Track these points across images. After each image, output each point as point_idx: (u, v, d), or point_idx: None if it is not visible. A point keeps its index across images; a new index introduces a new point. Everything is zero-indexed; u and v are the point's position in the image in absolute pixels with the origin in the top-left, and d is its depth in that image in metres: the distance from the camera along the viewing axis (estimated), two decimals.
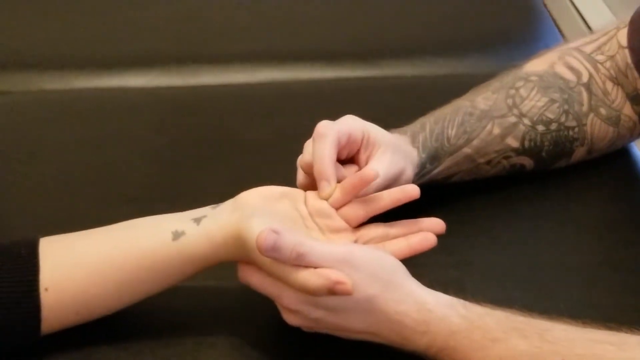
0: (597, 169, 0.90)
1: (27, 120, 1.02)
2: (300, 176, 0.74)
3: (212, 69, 1.15)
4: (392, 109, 1.05)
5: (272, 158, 0.93)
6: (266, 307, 0.65)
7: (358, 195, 0.69)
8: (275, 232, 0.58)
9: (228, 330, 0.67)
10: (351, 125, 0.72)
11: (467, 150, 0.82)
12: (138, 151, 0.95)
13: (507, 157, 0.84)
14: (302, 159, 0.73)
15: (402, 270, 0.63)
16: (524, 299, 0.72)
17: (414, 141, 0.79)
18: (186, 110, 1.04)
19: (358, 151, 0.73)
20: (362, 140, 0.73)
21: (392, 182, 0.73)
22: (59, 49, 1.17)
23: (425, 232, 0.68)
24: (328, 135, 0.69)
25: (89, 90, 1.10)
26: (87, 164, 0.92)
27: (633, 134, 0.89)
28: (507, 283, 0.74)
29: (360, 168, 0.73)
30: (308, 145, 0.72)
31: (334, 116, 0.74)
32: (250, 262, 0.63)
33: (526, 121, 0.83)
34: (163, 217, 0.67)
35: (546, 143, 0.84)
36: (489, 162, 0.83)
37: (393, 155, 0.74)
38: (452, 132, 0.81)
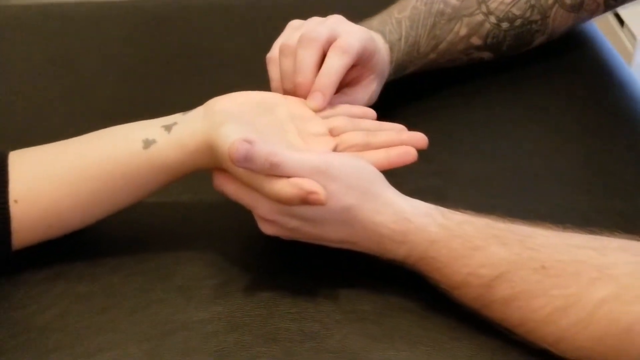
0: (575, 67, 0.91)
1: None
2: (274, 53, 0.72)
3: None
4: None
5: (248, 71, 0.90)
6: (243, 218, 0.63)
7: None
8: (248, 141, 0.56)
9: (205, 244, 0.66)
10: (366, 48, 0.71)
11: (432, 55, 0.83)
12: (109, 66, 0.92)
13: (468, 54, 0.86)
14: (286, 43, 0.70)
15: (381, 179, 0.62)
16: (505, 205, 0.70)
17: (391, 51, 0.78)
18: (156, 24, 1.01)
19: (353, 65, 0.71)
20: (362, 61, 0.72)
21: None
22: None
23: (407, 146, 0.66)
24: (349, 55, 0.68)
25: (55, 4, 1.06)
26: (56, 79, 0.90)
27: (593, 15, 0.89)
28: (488, 190, 0.73)
29: (343, 82, 0.71)
30: (293, 32, 0.71)
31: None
32: (225, 170, 0.62)
33: (492, 19, 0.84)
34: (133, 125, 0.65)
35: (508, 39, 0.86)
36: (448, 60, 0.85)
37: (377, 85, 0.75)
38: (423, 40, 0.81)
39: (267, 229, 0.61)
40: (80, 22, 1.01)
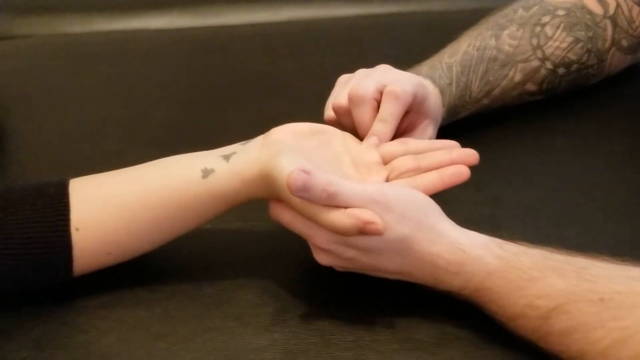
0: (629, 96, 0.90)
1: (49, 64, 1.02)
2: (330, 115, 0.74)
3: (234, 8, 1.13)
4: (418, 45, 1.03)
5: (297, 98, 0.93)
6: (298, 247, 0.64)
7: None
8: (306, 171, 0.57)
9: (260, 272, 0.67)
10: (417, 93, 0.71)
11: (485, 101, 0.83)
12: (161, 94, 0.95)
13: (521, 99, 0.86)
14: (337, 102, 0.72)
15: (436, 209, 0.62)
16: (559, 236, 0.70)
17: (442, 95, 0.79)
18: (208, 51, 1.04)
19: (406, 113, 0.72)
20: (415, 107, 0.73)
21: None
22: None
23: (458, 165, 0.66)
24: (402, 100, 0.69)
25: (110, 32, 1.09)
26: (110, 107, 0.92)
27: None
28: (542, 220, 0.73)
29: (399, 130, 0.72)
30: (342, 89, 0.73)
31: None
32: (281, 200, 0.62)
33: (548, 65, 0.84)
34: (192, 155, 0.66)
35: (564, 84, 0.86)
36: (501, 105, 0.85)
37: (433, 130, 0.75)
38: (475, 85, 0.82)
39: (322, 258, 0.62)
40: (132, 50, 1.04)
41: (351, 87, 0.71)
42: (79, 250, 0.62)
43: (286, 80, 0.95)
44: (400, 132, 0.73)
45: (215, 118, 0.89)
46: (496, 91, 0.82)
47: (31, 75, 0.98)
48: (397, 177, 0.66)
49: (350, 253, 0.60)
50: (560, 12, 0.84)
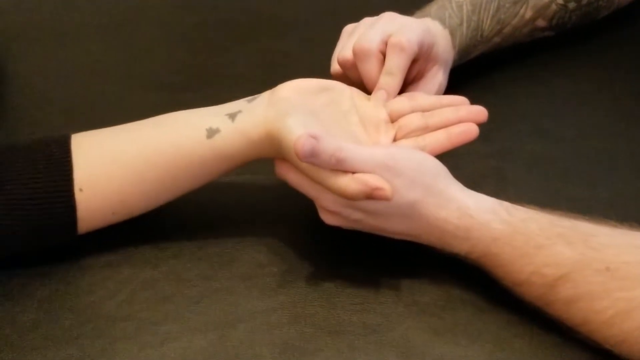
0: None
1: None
2: (336, 69, 0.72)
3: None
4: None
5: (307, 36, 0.90)
6: (304, 202, 0.63)
7: None
8: (314, 137, 0.56)
9: (266, 228, 0.66)
10: (424, 39, 0.70)
11: (496, 39, 0.81)
12: (165, 32, 0.92)
13: (532, 36, 0.84)
14: (342, 56, 0.71)
15: (444, 173, 0.61)
16: (566, 189, 0.70)
17: (452, 38, 0.77)
18: None
19: (414, 61, 0.71)
20: (423, 54, 0.71)
21: None
22: None
23: (466, 123, 0.65)
24: (408, 51, 0.68)
25: None
26: (112, 47, 0.90)
27: None
28: (549, 172, 0.72)
29: (407, 78, 0.71)
30: (347, 42, 0.71)
31: None
32: (287, 160, 0.61)
33: (559, 0, 0.81)
34: (197, 112, 0.64)
35: (574, 18, 0.84)
36: (512, 43, 0.83)
37: (443, 74, 0.74)
38: (486, 24, 0.80)
39: (328, 219, 0.61)
40: None
41: (355, 40, 0.69)
42: (83, 210, 0.61)
43: (294, 19, 0.93)
44: (409, 80, 0.72)
45: (220, 60, 0.87)
46: (507, 29, 0.80)
47: (26, 12, 0.95)
48: (404, 136, 0.65)
49: (357, 215, 0.60)
50: None
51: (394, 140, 0.65)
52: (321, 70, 0.78)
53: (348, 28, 0.75)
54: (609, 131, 0.77)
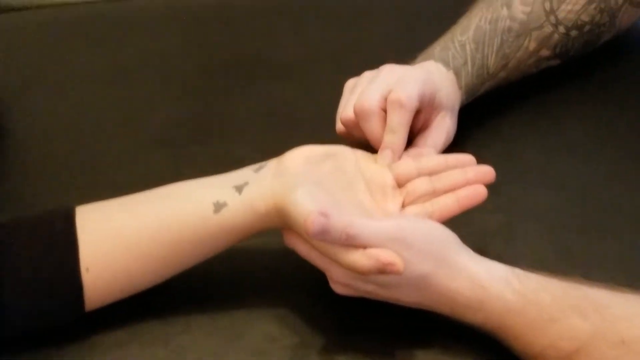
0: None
1: (31, 44, 0.98)
2: (340, 128, 0.72)
3: None
4: (426, 13, 1.00)
5: (307, 80, 0.89)
6: (314, 270, 0.62)
7: None
8: (324, 214, 0.55)
9: (276, 298, 0.65)
10: (425, 90, 0.70)
11: (502, 74, 0.81)
12: (164, 81, 0.91)
13: (537, 66, 0.83)
14: (344, 115, 0.70)
15: (454, 241, 0.60)
16: (577, 242, 0.69)
17: (458, 78, 0.77)
18: (205, 25, 0.99)
19: (417, 112, 0.70)
20: (427, 103, 0.71)
21: None
22: None
23: (474, 185, 0.64)
24: (408, 107, 0.67)
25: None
26: (113, 98, 0.89)
27: None
28: (559, 225, 0.71)
29: (414, 128, 0.72)
30: (349, 100, 0.71)
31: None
32: (296, 232, 0.61)
33: (561, 29, 0.81)
34: (203, 183, 0.64)
35: (576, 45, 0.83)
36: (519, 75, 0.82)
37: (450, 120, 0.74)
38: (491, 60, 0.79)
39: (339, 289, 0.61)
40: (130, 23, 1.00)
41: (356, 100, 0.69)
42: (90, 290, 0.60)
43: (293, 60, 0.92)
44: (416, 130, 0.72)
45: (221, 109, 0.86)
46: (512, 63, 0.80)
47: (21, 63, 0.94)
48: (412, 202, 0.65)
49: (368, 287, 0.60)
50: None
51: (402, 206, 0.65)
52: (322, 116, 0.79)
53: (349, 83, 0.75)
54: (620, 179, 0.76)
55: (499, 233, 0.70)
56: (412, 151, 0.70)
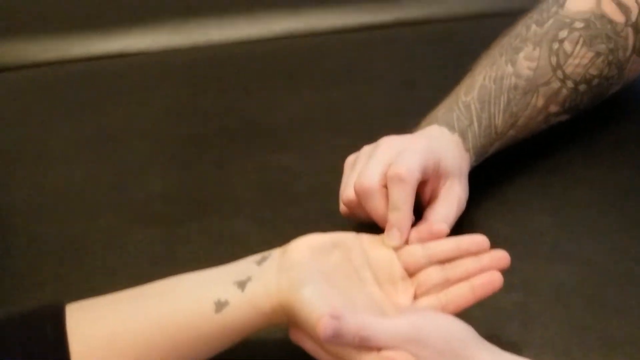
0: None
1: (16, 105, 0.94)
2: (344, 210, 0.70)
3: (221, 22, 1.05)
4: (425, 61, 0.97)
5: (305, 147, 0.86)
6: None
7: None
8: (336, 317, 0.52)
9: None
10: (427, 160, 0.66)
11: (511, 132, 0.77)
12: (156, 149, 0.88)
13: (547, 122, 0.80)
14: (346, 196, 0.68)
15: (472, 337, 0.57)
16: (596, 322, 0.66)
17: (464, 141, 0.73)
18: (204, 89, 0.96)
19: (424, 182, 0.68)
20: (432, 173, 0.68)
21: None
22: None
23: (489, 272, 0.61)
24: (410, 181, 0.64)
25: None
26: (101, 169, 0.85)
27: None
28: (577, 303, 0.68)
29: (423, 202, 0.69)
30: (349, 178, 0.68)
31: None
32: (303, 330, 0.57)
33: (569, 84, 0.78)
34: (202, 279, 0.60)
35: (585, 99, 0.80)
36: (529, 132, 0.79)
37: (459, 185, 0.70)
38: (499, 120, 0.76)
39: None
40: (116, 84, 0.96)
41: (356, 179, 0.66)
42: None
43: (289, 126, 0.89)
44: (425, 202, 0.69)
45: (215, 179, 0.82)
46: (521, 121, 0.77)
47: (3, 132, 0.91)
48: (424, 293, 0.62)
49: None
50: (578, 25, 0.77)
51: (414, 297, 0.61)
52: (321, 185, 0.77)
53: (349, 160, 0.72)
54: (631, 250, 0.72)
55: (515, 315, 0.67)
56: (423, 227, 0.66)
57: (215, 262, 0.71)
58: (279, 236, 0.73)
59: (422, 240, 0.64)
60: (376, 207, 0.65)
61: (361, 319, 0.54)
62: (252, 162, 0.84)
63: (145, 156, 0.86)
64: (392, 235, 0.64)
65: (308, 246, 0.60)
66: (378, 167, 0.66)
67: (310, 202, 0.78)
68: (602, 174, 0.81)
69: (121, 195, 0.81)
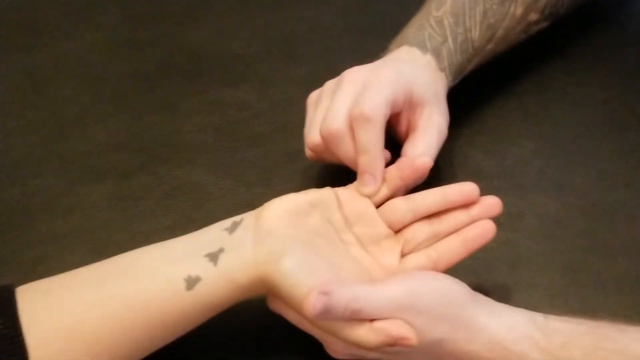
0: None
1: None
2: (310, 154, 0.63)
3: None
4: None
5: (257, 75, 0.79)
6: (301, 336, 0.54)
7: (408, 187, 0.58)
8: (324, 292, 0.47)
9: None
10: (395, 92, 0.59)
11: (490, 46, 0.71)
12: (93, 91, 0.79)
13: (526, 32, 0.74)
14: (311, 140, 0.61)
15: (470, 298, 0.52)
16: (586, 262, 0.62)
17: (438, 60, 0.66)
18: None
19: (398, 114, 0.61)
20: (404, 104, 0.61)
21: None
22: None
23: (481, 221, 0.56)
24: (376, 120, 0.57)
25: None
26: (27, 120, 0.76)
27: None
28: (564, 241, 0.63)
29: (401, 136, 0.62)
30: (313, 120, 0.61)
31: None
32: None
33: None
34: (169, 253, 0.53)
35: (566, 2, 0.75)
36: (508, 46, 0.73)
37: (437, 112, 0.63)
38: (476, 34, 0.69)
39: (337, 355, 0.53)
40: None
41: (321, 123, 0.59)
42: None
43: (239, 54, 0.81)
44: (403, 135, 0.63)
45: (159, 122, 0.75)
46: (499, 33, 0.70)
47: None
48: (412, 251, 0.56)
49: (373, 355, 0.51)
50: None
51: (402, 255, 0.56)
52: (283, 125, 0.72)
53: (312, 97, 0.64)
54: (618, 179, 0.68)
55: (503, 255, 0.62)
56: (404, 162, 0.59)
57: (173, 218, 0.66)
58: (241, 183, 0.68)
59: (405, 178, 0.58)
60: (346, 151, 0.59)
61: (351, 291, 0.48)
62: (203, 100, 0.76)
63: (82, 102, 0.77)
64: (365, 181, 0.58)
65: (284, 210, 0.54)
66: (343, 106, 0.59)
67: (271, 142, 0.72)
68: (583, 89, 0.76)
69: (60, 150, 0.72)
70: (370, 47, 0.69)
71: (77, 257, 0.63)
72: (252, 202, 0.66)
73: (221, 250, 0.52)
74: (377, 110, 0.57)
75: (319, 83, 0.64)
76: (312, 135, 0.61)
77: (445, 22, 0.68)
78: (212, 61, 0.81)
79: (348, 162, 0.60)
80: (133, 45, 0.83)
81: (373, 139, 0.57)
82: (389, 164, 0.60)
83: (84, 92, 0.78)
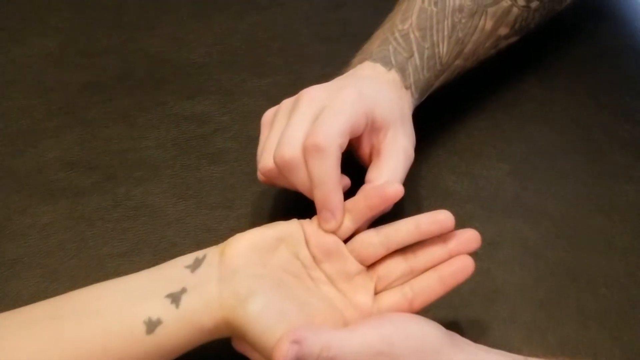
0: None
1: None
2: (263, 179, 0.59)
3: None
4: None
5: (219, 86, 0.75)
6: None
7: (375, 216, 0.55)
8: (296, 342, 0.44)
9: None
10: (356, 116, 0.55)
11: (458, 62, 0.68)
12: (42, 104, 0.74)
13: (496, 47, 0.71)
14: (263, 164, 0.57)
15: (446, 342, 0.49)
16: (566, 294, 0.60)
17: (404, 77, 0.63)
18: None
19: (360, 137, 0.58)
20: (366, 127, 0.57)
21: None
22: None
23: (459, 257, 0.53)
24: (330, 151, 0.53)
25: None
26: None
27: None
28: (542, 270, 0.61)
29: (364, 160, 0.59)
30: (267, 142, 0.57)
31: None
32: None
33: (520, 2, 0.69)
34: (128, 291, 0.50)
35: (537, 16, 0.72)
36: (476, 61, 0.70)
37: (403, 134, 0.59)
38: (443, 49, 0.66)
39: None
40: None
41: (275, 149, 0.55)
42: None
43: (198, 56, 0.77)
44: (367, 160, 0.59)
45: (118, 136, 0.70)
46: (468, 47, 0.67)
47: None
48: (387, 288, 0.53)
49: None
50: None
51: (375, 292, 0.53)
52: (247, 140, 0.69)
53: (267, 116, 0.60)
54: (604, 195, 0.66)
55: (479, 290, 0.59)
56: (372, 192, 0.55)
57: (130, 243, 0.62)
58: (202, 205, 0.65)
59: (374, 208, 0.54)
60: (301, 181, 0.55)
61: (324, 338, 0.45)
62: (161, 113, 0.72)
63: (33, 114, 0.72)
64: (324, 218, 0.54)
65: (249, 246, 0.50)
66: (299, 131, 0.55)
67: (234, 160, 0.68)
68: (558, 106, 0.73)
69: (10, 166, 0.68)
70: (338, 56, 0.66)
71: (29, 284, 0.60)
72: (213, 227, 0.64)
73: (183, 291, 0.49)
74: (331, 139, 0.53)
75: (284, 95, 0.60)
76: (265, 159, 0.57)
77: (412, 36, 0.65)
78: (172, 71, 0.76)
79: (304, 192, 0.56)
80: (87, 54, 0.78)
81: (327, 171, 0.53)
82: (350, 190, 0.56)
83: (36, 103, 0.73)
